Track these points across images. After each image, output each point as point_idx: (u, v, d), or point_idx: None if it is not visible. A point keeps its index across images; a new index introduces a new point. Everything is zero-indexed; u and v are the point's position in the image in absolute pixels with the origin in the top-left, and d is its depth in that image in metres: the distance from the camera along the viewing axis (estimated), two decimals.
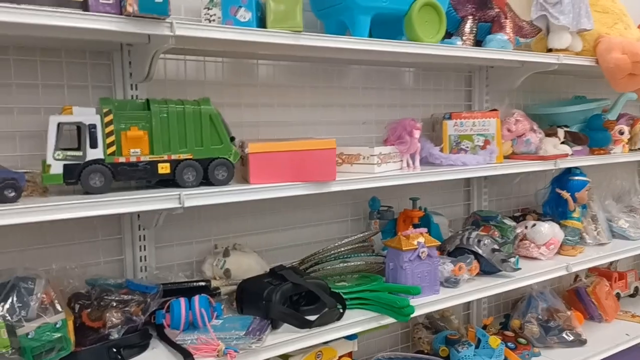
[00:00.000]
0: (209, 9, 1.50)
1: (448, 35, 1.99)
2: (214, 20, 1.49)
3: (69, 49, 1.45)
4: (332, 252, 1.72)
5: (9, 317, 1.16)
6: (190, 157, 1.34)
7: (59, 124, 1.22)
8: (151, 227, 1.45)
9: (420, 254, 1.67)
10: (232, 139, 1.42)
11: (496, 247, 1.89)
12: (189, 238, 1.68)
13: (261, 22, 1.43)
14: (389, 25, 1.73)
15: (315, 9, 1.74)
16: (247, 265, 1.64)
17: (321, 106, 1.91)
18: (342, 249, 1.73)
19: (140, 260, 1.55)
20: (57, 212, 1.12)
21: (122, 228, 1.54)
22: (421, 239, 1.69)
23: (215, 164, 1.37)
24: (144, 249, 1.55)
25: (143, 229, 1.54)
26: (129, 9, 1.14)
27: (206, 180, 1.37)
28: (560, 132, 2.23)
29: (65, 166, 1.22)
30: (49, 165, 1.21)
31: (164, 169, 1.32)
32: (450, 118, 1.92)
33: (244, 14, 1.40)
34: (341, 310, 1.50)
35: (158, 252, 1.61)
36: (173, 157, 1.33)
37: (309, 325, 1.42)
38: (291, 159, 1.43)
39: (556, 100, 2.59)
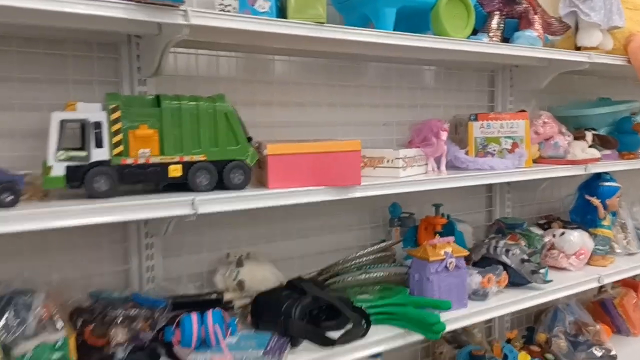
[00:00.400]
0: None
1: (473, 31, 1.88)
2: (229, 10, 1.37)
3: (75, 41, 1.33)
4: (353, 262, 1.60)
5: (4, 335, 1.04)
6: (204, 158, 1.23)
7: (61, 122, 1.10)
8: (160, 234, 1.33)
9: (447, 265, 1.55)
10: (249, 139, 1.31)
11: (525, 257, 1.77)
12: (199, 246, 1.56)
13: (280, 13, 1.32)
14: (412, 20, 1.61)
15: (336, 1, 1.63)
16: (261, 276, 1.52)
17: (339, 106, 1.80)
18: (364, 259, 1.61)
19: (147, 271, 1.43)
20: (59, 219, 1.00)
21: (127, 235, 1.43)
22: (449, 249, 1.57)
23: (231, 167, 1.25)
24: (151, 258, 1.44)
25: (150, 236, 1.42)
26: None
27: (221, 184, 1.25)
28: (589, 135, 2.12)
29: (68, 168, 1.11)
30: (50, 167, 1.10)
31: (175, 171, 1.20)
32: (476, 119, 1.81)
33: (263, 4, 1.29)
34: (365, 327, 1.39)
35: (166, 262, 1.49)
36: (185, 158, 1.21)
37: (331, 343, 1.30)
38: (313, 162, 1.32)
39: (580, 101, 2.48)
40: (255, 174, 1.38)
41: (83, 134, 1.18)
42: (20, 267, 1.29)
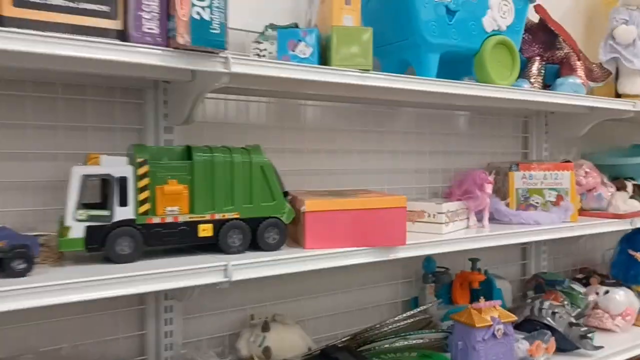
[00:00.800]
0: (259, 42, 1.29)
1: None
2: (264, 55, 1.28)
3: (95, 86, 1.23)
4: (389, 327, 1.46)
5: None
6: (237, 216, 1.11)
7: (83, 177, 0.99)
8: (183, 299, 1.20)
9: (495, 332, 1.41)
10: (286, 194, 1.19)
11: (573, 320, 1.63)
12: (221, 307, 1.42)
13: (322, 59, 1.22)
14: (450, 65, 1.52)
15: (374, 45, 1.53)
16: (290, 341, 1.38)
17: (371, 152, 1.69)
18: (400, 324, 1.48)
19: (166, 337, 1.30)
20: (75, 293, 0.87)
21: (145, 297, 1.30)
22: (495, 314, 1.44)
23: (266, 225, 1.13)
24: (170, 323, 1.30)
25: (171, 298, 1.29)
26: (180, 40, 0.92)
27: (254, 244, 1.13)
28: (629, 186, 2.00)
29: (88, 228, 0.99)
30: (68, 228, 0.97)
31: (205, 231, 1.08)
32: (517, 169, 1.69)
33: (304, 50, 1.19)
34: None
35: (185, 325, 1.36)
36: (217, 216, 1.09)
37: None
38: (354, 220, 1.19)
39: (614, 148, 2.37)
40: (289, 230, 1.26)
41: (103, 189, 1.07)
42: (26, 331, 1.16)
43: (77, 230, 0.98)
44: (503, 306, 1.74)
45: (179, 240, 1.07)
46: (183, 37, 0.92)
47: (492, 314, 1.43)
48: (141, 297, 1.30)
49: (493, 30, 1.49)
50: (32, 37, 0.84)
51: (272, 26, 1.28)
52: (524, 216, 1.62)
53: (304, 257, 1.12)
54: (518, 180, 1.69)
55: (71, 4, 0.90)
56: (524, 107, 1.88)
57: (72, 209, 0.98)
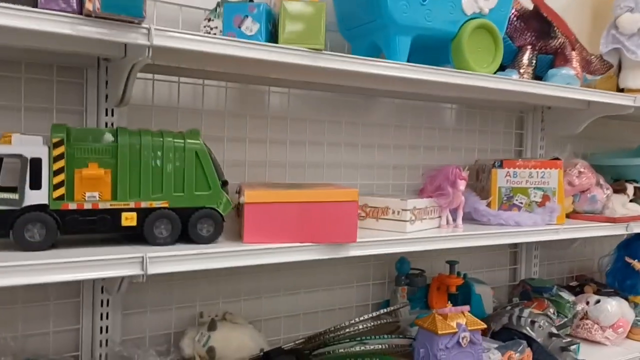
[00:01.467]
0: (210, 20, 1.20)
1: (501, 67, 1.66)
2: (215, 34, 1.19)
3: (32, 63, 1.15)
4: (348, 330, 1.36)
5: None
6: (166, 205, 1.02)
7: None
8: (113, 292, 1.12)
9: (460, 340, 1.30)
10: (224, 183, 1.09)
11: (554, 330, 1.51)
12: (167, 303, 1.34)
13: (272, 37, 1.12)
14: (432, 52, 1.41)
15: (343, 28, 1.43)
16: (238, 342, 1.29)
17: (343, 145, 1.58)
18: (360, 327, 1.37)
19: (101, 332, 1.22)
20: None
21: (81, 289, 1.22)
22: (462, 320, 1.32)
23: (199, 216, 1.04)
24: (106, 317, 1.22)
25: (107, 292, 1.21)
26: (89, 5, 0.84)
27: (187, 236, 1.04)
28: (630, 188, 1.86)
29: None
30: None
31: (128, 220, 0.99)
32: (501, 166, 1.57)
33: (251, 26, 1.10)
34: None
35: (126, 320, 1.28)
36: (143, 204, 1.00)
37: None
38: (300, 213, 1.09)
39: (619, 149, 2.22)
40: (236, 222, 1.17)
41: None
42: None
43: None
44: (481, 313, 1.63)
45: (98, 229, 0.98)
46: (92, 1, 0.83)
47: (459, 321, 1.32)
48: (77, 289, 1.22)
49: (474, 14, 1.37)
50: None
51: (225, 2, 1.18)
52: (504, 217, 1.50)
53: (238, 251, 1.02)
54: (501, 178, 1.57)
55: None
56: (515, 100, 1.75)
57: None
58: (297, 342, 1.35)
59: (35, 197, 0.93)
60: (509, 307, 1.60)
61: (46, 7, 0.85)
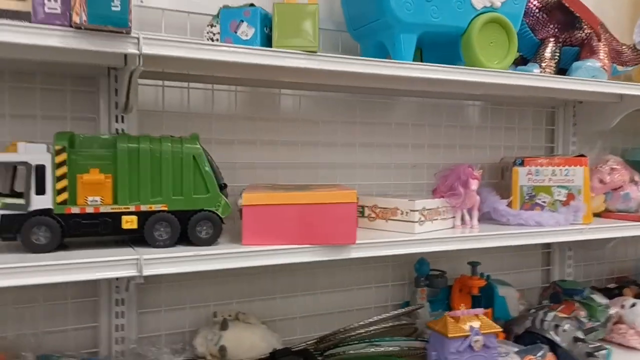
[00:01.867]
0: (212, 25, 1.23)
1: (523, 61, 1.60)
2: (217, 39, 1.21)
3: (47, 74, 1.22)
4: (359, 331, 1.35)
5: None
6: (165, 208, 1.05)
7: None
8: (122, 292, 1.16)
9: (472, 344, 1.26)
10: (223, 186, 1.12)
11: (580, 335, 1.43)
12: (182, 302, 1.38)
13: (269, 41, 1.13)
14: (446, 48, 1.38)
15: (351, 28, 1.42)
16: (249, 342, 1.31)
17: (358, 145, 1.58)
18: (373, 328, 1.36)
19: (117, 330, 1.27)
20: None
21: (98, 288, 1.27)
22: (475, 323, 1.29)
23: (197, 219, 1.07)
24: (122, 316, 1.27)
25: (122, 291, 1.26)
26: (76, 18, 0.88)
27: (187, 239, 1.07)
28: None
29: (3, 217, 0.97)
30: None
31: (129, 223, 1.03)
32: (522, 164, 1.52)
33: (246, 30, 1.12)
34: None
35: (142, 319, 1.32)
36: (142, 208, 1.04)
37: None
38: (298, 215, 1.10)
39: None
40: (239, 225, 1.19)
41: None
42: None
43: None
44: (505, 316, 1.58)
45: (100, 232, 1.02)
46: (79, 14, 0.87)
47: (472, 324, 1.28)
48: (95, 289, 1.28)
49: (484, 8, 1.33)
50: None
51: (223, 7, 1.21)
52: (524, 217, 1.44)
53: (234, 253, 1.04)
54: (522, 176, 1.51)
55: None
56: (541, 95, 1.68)
57: None
58: (308, 342, 1.36)
59: (40, 202, 0.99)
60: (533, 310, 1.54)
61: (47, 22, 0.90)
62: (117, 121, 1.25)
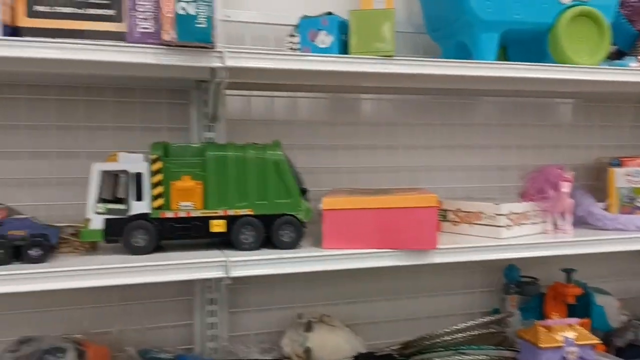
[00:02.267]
0: (292, 35, 1.27)
1: (619, 54, 1.50)
2: (298, 49, 1.25)
3: (145, 88, 1.32)
4: (446, 338, 1.33)
5: None
6: (250, 212, 1.10)
7: (101, 173, 1.07)
8: (213, 291, 1.23)
9: (566, 356, 1.20)
10: (304, 191, 1.15)
11: None
12: (268, 303, 1.43)
13: (346, 47, 1.15)
14: (534, 44, 1.33)
15: (431, 29, 1.41)
16: (333, 344, 1.33)
17: (439, 148, 1.55)
18: (460, 335, 1.33)
19: (210, 328, 1.34)
20: (72, 280, 0.94)
21: (193, 288, 1.35)
22: (570, 333, 1.22)
23: (280, 223, 1.11)
24: (215, 315, 1.34)
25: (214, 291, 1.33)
26: (165, 36, 0.95)
27: (272, 242, 1.11)
28: None
29: (106, 221, 1.06)
30: (88, 219, 1.06)
31: (218, 226, 1.09)
32: (619, 165, 1.42)
33: (324, 39, 1.14)
34: None
35: (232, 318, 1.39)
36: (230, 212, 1.10)
37: None
38: (378, 219, 1.11)
39: None
40: (319, 229, 1.21)
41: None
42: (81, 314, 1.29)
43: (96, 222, 1.06)
44: (604, 326, 1.48)
45: (193, 234, 1.09)
46: (169, 33, 0.94)
47: (566, 334, 1.22)
48: (190, 289, 1.35)
49: (572, 1, 1.27)
50: (42, 44, 0.93)
51: (303, 17, 1.24)
52: (623, 220, 1.35)
53: (315, 256, 1.07)
54: (620, 178, 1.42)
55: (78, 11, 0.98)
56: (636, 92, 1.57)
57: (92, 203, 1.06)
58: (392, 347, 1.36)
59: (138, 207, 1.07)
60: (637, 322, 1.43)
61: (141, 42, 0.98)
62: (208, 131, 1.32)
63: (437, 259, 1.12)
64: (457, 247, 1.14)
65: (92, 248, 1.12)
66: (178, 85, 1.32)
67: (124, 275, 0.97)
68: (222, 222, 1.09)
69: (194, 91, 1.33)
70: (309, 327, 1.33)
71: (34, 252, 0.98)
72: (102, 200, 1.07)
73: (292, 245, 1.11)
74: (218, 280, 1.15)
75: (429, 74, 1.11)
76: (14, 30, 0.95)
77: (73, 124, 1.28)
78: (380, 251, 1.10)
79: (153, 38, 0.98)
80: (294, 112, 1.44)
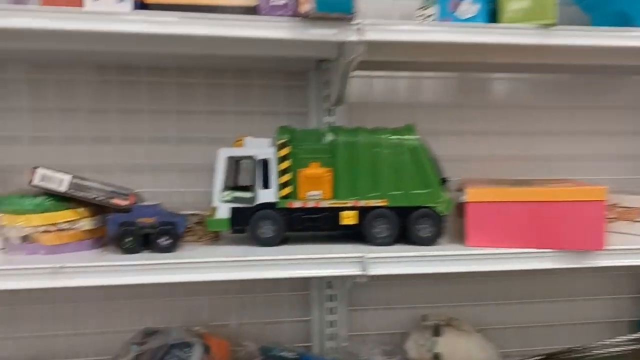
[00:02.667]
0: (424, 8, 1.14)
1: None
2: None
3: (261, 70, 1.25)
4: (597, 352, 1.16)
5: None
6: (384, 204, 0.99)
7: (228, 159, 1.00)
8: (340, 288, 1.14)
9: None
10: (444, 180, 1.02)
11: None
12: (390, 302, 1.32)
13: (492, 17, 1.01)
14: None
15: None
16: (465, 351, 1.21)
17: (582, 134, 1.37)
18: (614, 350, 1.16)
19: (329, 326, 1.25)
20: (203, 272, 0.88)
21: (309, 282, 1.27)
22: None
23: (417, 216, 0.99)
24: (334, 312, 1.25)
25: (333, 287, 1.25)
26: (302, 7, 0.86)
27: (405, 237, 1.00)
28: None
29: (233, 210, 1.00)
30: (215, 208, 1.00)
31: (348, 218, 1.00)
32: None
33: (468, 8, 1.00)
34: None
35: (352, 316, 1.29)
36: (361, 203, 1.00)
37: None
38: (531, 214, 0.96)
39: None
40: (455, 224, 1.09)
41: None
42: (198, 304, 1.25)
43: (222, 211, 1.00)
44: None
45: (321, 226, 1.00)
46: (305, 4, 0.84)
47: None
48: (306, 283, 1.28)
49: None
50: (170, 19, 0.87)
51: None
52: None
53: (461, 255, 0.94)
54: None
55: None
56: None
57: (218, 190, 1.00)
58: (534, 357, 1.21)
59: (265, 196, 1.00)
60: None
61: (270, 14, 0.90)
62: (327, 115, 1.23)
63: (604, 261, 0.96)
64: (629, 249, 0.97)
65: (214, 237, 1.07)
66: (297, 67, 1.24)
67: (256, 269, 0.91)
68: (353, 213, 1.00)
69: (312, 72, 1.24)
70: (437, 331, 1.22)
71: (163, 241, 0.94)
72: (228, 188, 1.00)
73: (431, 241, 1.00)
74: (346, 277, 1.06)
75: (599, 46, 0.94)
76: (142, 6, 0.90)
77: (194, 108, 1.23)
78: (535, 251, 0.96)
79: (284, 11, 0.89)
80: (417, 94, 1.32)
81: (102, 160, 1.19)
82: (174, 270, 0.88)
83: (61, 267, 0.82)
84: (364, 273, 0.91)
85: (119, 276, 0.85)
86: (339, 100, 1.12)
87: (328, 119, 1.23)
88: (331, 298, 1.26)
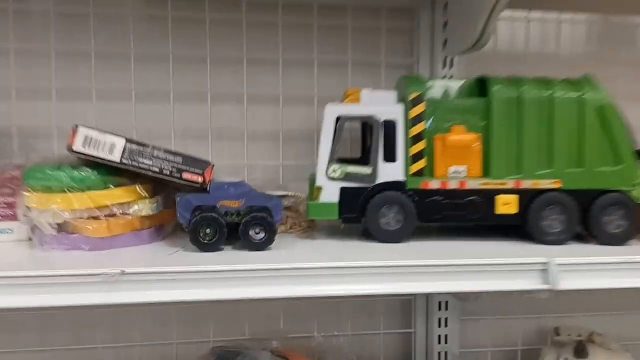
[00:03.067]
0: None
1: None
2: None
3: (357, 8, 0.95)
4: None
5: None
6: (558, 186, 0.71)
7: (338, 120, 0.71)
8: (468, 300, 0.86)
9: None
10: (639, 155, 0.74)
11: None
12: (508, 312, 1.04)
13: None
14: None
15: None
16: None
17: None
18: None
19: (439, 342, 0.98)
20: (316, 285, 0.60)
21: None
22: None
23: (605, 203, 0.71)
24: (444, 324, 0.98)
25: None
26: None
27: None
28: None
29: (343, 191, 0.71)
30: (320, 188, 0.71)
31: (507, 206, 0.71)
32: None
33: None
34: None
35: (463, 328, 1.02)
36: (525, 184, 0.71)
37: None
38: None
39: None
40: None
41: (364, 138, 0.79)
42: (275, 314, 0.97)
43: (330, 193, 0.71)
44: None
45: (467, 215, 0.71)
46: None
47: None
48: None
49: None
50: None
51: None
52: None
53: None
54: None
55: None
56: None
57: (324, 164, 0.71)
58: None
59: (389, 173, 0.71)
60: None
61: None
62: (444, 66, 0.94)
63: None
64: None
65: (309, 227, 0.79)
66: (400, 4, 0.94)
67: (390, 280, 0.61)
68: (513, 198, 0.71)
69: (424, 11, 0.94)
70: (580, 349, 0.94)
71: (255, 235, 0.65)
72: (337, 160, 0.72)
73: (622, 239, 0.71)
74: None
75: None
76: None
77: (257, 56, 0.94)
78: None
79: None
80: (552, 43, 1.02)
81: (152, 123, 0.91)
82: (266, 278, 0.60)
83: (122, 274, 0.54)
84: (551, 288, 0.62)
85: (207, 288, 0.56)
86: (479, 44, 0.82)
87: (444, 72, 0.94)
88: (440, 306, 0.98)
